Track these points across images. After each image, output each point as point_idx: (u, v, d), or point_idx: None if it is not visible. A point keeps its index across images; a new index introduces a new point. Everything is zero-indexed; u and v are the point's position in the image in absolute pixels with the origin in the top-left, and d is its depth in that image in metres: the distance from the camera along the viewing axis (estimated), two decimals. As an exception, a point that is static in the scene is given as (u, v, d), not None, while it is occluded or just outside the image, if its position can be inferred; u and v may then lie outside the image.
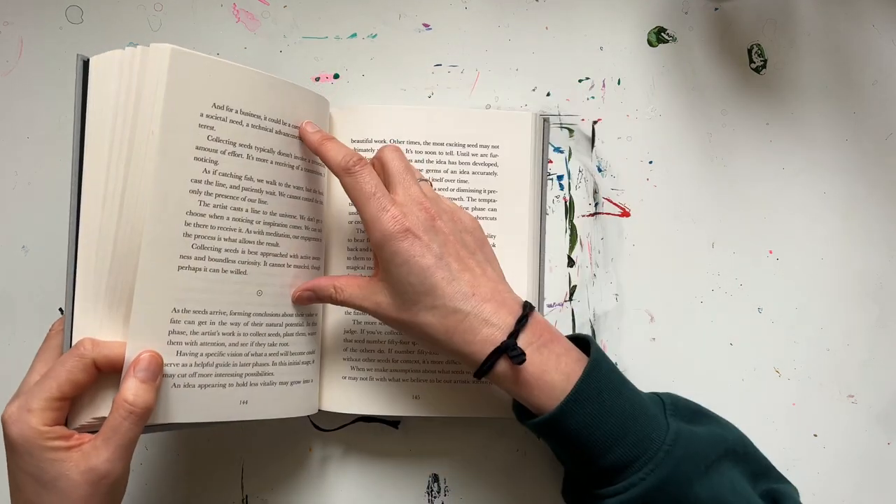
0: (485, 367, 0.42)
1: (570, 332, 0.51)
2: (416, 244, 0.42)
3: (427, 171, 0.51)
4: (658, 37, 0.55)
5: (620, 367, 0.53)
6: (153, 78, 0.41)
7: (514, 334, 0.42)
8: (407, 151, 0.51)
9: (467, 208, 0.51)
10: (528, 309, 0.43)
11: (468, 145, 0.52)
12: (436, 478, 0.53)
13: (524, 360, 0.41)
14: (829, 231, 0.53)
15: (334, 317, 0.51)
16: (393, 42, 0.55)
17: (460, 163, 0.52)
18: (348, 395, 0.50)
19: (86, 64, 0.42)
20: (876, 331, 0.53)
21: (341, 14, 0.55)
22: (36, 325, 0.54)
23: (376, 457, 0.53)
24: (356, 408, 0.50)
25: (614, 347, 0.53)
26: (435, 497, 0.53)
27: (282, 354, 0.47)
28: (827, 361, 0.53)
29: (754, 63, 0.54)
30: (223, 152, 0.43)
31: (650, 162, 0.54)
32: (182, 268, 0.42)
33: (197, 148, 0.42)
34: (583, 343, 0.45)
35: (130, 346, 0.40)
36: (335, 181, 0.49)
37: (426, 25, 0.55)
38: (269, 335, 0.46)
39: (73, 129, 0.42)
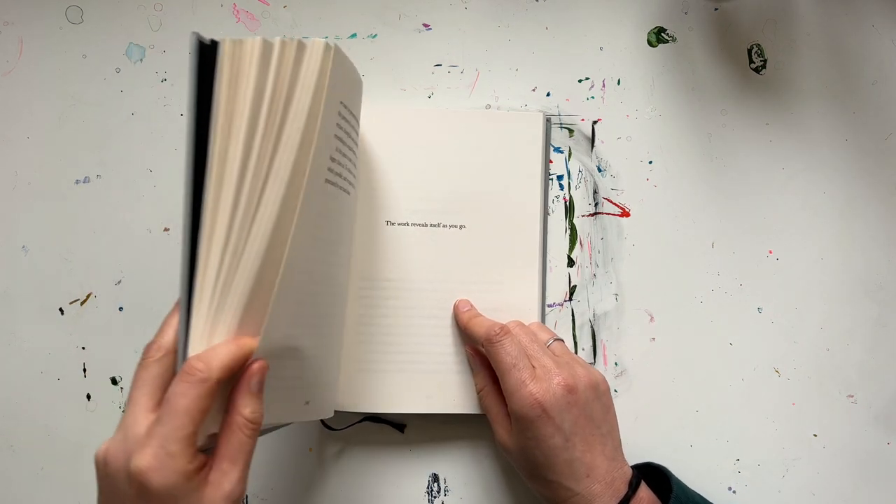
0: None
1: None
2: (549, 425, 0.44)
3: (436, 172, 0.52)
4: (658, 37, 0.55)
5: (620, 367, 0.53)
6: (307, 74, 0.39)
7: None
8: (415, 153, 0.51)
9: (473, 210, 0.51)
10: (631, 491, 0.44)
11: (480, 146, 0.52)
12: (436, 477, 0.53)
13: None
14: (829, 231, 0.53)
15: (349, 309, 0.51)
16: (393, 42, 0.55)
17: (473, 164, 0.52)
18: (359, 394, 0.50)
19: (202, 46, 0.38)
20: (876, 331, 0.53)
21: (341, 14, 0.55)
22: (36, 326, 0.54)
23: (376, 456, 0.53)
24: (366, 406, 0.50)
25: (614, 347, 0.53)
26: (435, 497, 0.53)
27: (331, 355, 0.47)
28: (827, 361, 0.53)
29: (754, 63, 0.54)
30: (342, 151, 0.44)
31: (650, 162, 0.54)
32: (305, 272, 0.41)
33: (332, 146, 0.42)
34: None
35: (260, 351, 0.38)
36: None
37: (426, 25, 0.55)
38: (331, 335, 0.46)
39: (188, 116, 0.38)
